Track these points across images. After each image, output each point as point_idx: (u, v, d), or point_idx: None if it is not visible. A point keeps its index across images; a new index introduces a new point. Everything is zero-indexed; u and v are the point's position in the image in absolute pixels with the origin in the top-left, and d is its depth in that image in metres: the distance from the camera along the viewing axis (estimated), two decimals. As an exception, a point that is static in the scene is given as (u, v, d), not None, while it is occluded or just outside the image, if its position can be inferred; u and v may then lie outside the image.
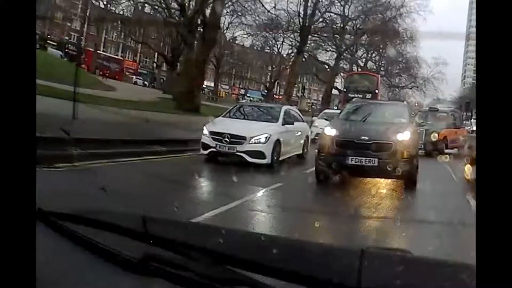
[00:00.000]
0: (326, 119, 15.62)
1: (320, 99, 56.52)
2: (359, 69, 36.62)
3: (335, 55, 36.00)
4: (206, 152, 8.84)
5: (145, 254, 0.91)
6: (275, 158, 8.93)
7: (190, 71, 19.41)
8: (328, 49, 36.10)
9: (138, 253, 0.92)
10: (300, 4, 31.60)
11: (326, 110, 20.98)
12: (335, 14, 33.59)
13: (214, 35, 18.98)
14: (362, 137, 7.02)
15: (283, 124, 9.60)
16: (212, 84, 48.61)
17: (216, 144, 8.69)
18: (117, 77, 41.18)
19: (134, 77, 47.83)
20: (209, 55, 21.41)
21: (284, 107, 10.71)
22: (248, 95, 56.83)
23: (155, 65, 51.59)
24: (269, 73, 49.94)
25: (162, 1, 26.71)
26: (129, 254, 0.93)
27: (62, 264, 0.92)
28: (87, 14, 43.27)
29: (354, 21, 34.16)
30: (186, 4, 22.91)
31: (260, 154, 8.63)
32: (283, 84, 50.01)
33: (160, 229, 0.94)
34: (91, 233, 0.98)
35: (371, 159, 6.87)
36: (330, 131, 7.51)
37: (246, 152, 8.57)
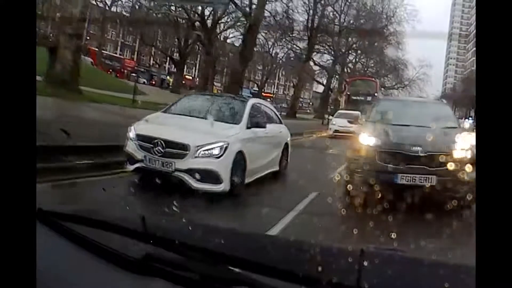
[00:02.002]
0: (343, 118, 16.99)
1: (305, 97, 61.07)
2: (348, 70, 40.50)
3: (331, 59, 38.95)
4: (131, 167, 5.60)
5: (145, 254, 0.91)
6: (237, 181, 5.64)
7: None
8: (327, 54, 39.11)
9: (138, 253, 0.92)
10: (309, 16, 34.33)
11: (341, 111, 23.06)
12: (336, 24, 36.31)
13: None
14: (414, 148, 5.43)
15: (248, 127, 6.31)
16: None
17: (145, 156, 5.43)
18: (118, 75, 41.75)
19: (135, 75, 48.51)
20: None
21: (251, 101, 7.25)
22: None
23: (152, 63, 52.22)
24: (260, 72, 50.49)
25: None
26: (129, 254, 0.93)
27: (62, 264, 0.92)
28: (88, 13, 44.17)
29: (351, 30, 36.76)
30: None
31: (212, 176, 5.36)
32: (270, 82, 51.35)
33: (160, 229, 0.94)
34: (91, 233, 0.98)
35: (427, 176, 5.31)
36: (368, 139, 5.80)
37: (189, 171, 5.32)
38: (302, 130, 20.55)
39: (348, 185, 5.58)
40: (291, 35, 35.16)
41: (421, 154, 5.37)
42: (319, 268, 0.75)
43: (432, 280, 0.67)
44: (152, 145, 5.44)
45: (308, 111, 50.25)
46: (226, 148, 5.53)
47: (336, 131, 19.25)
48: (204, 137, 5.59)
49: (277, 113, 8.56)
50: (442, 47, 79.73)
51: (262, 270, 0.83)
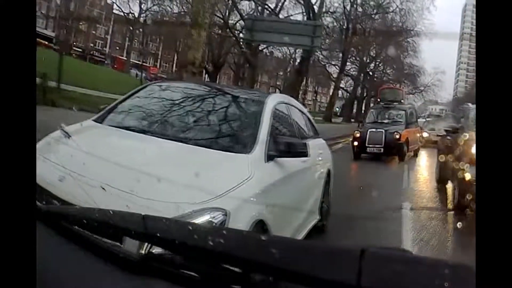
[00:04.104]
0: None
1: (322, 101, 64.49)
2: (368, 77, 44.29)
3: (356, 68, 42.88)
4: None
5: (145, 254, 0.91)
6: None
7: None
8: (353, 64, 43.10)
9: (138, 253, 0.92)
10: (343, 33, 36.71)
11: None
12: (362, 37, 38.93)
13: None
14: None
15: (271, 157, 2.92)
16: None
17: None
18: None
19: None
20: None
21: (273, 99, 3.62)
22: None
23: (175, 70, 54.72)
24: (282, 77, 51.92)
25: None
26: (129, 254, 0.93)
27: (62, 264, 0.92)
28: (112, 22, 46.33)
29: (375, 42, 40.30)
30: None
31: None
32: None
33: (160, 229, 0.94)
34: (91, 233, 0.98)
35: None
36: None
37: None
38: (344, 132, 21.34)
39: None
40: (324, 50, 37.83)
41: None
42: (319, 268, 0.75)
43: (432, 280, 0.66)
44: None
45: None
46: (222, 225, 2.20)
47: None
48: (161, 196, 2.19)
49: (310, 117, 4.94)
50: (453, 53, 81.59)
51: (262, 270, 0.82)
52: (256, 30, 14.31)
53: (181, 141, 2.89)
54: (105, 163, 2.46)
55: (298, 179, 3.49)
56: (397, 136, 12.83)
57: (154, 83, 4.33)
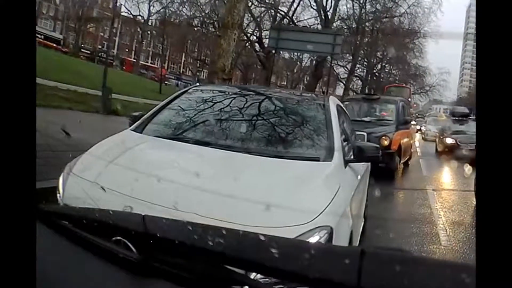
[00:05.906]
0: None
1: None
2: (374, 78, 44.80)
3: (365, 69, 43.82)
4: None
5: (145, 254, 0.91)
6: None
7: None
8: (361, 65, 43.96)
9: (138, 253, 0.92)
10: (353, 37, 37.28)
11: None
12: (370, 40, 40.24)
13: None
14: None
15: (346, 162, 2.80)
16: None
17: None
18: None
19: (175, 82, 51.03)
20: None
21: (332, 101, 3.39)
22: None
23: (182, 71, 57.87)
24: (290, 78, 52.88)
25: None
26: (129, 254, 0.93)
27: (62, 264, 0.92)
28: (118, 24, 47.63)
29: (382, 44, 41.20)
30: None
31: None
32: (299, 88, 54.55)
33: (160, 229, 0.94)
34: (91, 233, 0.98)
35: None
36: None
37: None
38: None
39: None
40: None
41: None
42: (319, 268, 0.75)
43: (432, 280, 0.66)
44: None
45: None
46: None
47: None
48: (263, 222, 1.77)
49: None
50: (457, 54, 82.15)
51: (262, 270, 0.82)
52: (281, 39, 15.53)
53: (256, 154, 2.58)
54: (177, 186, 2.00)
55: (362, 183, 3.40)
56: (386, 142, 8.85)
57: (196, 86, 3.84)
